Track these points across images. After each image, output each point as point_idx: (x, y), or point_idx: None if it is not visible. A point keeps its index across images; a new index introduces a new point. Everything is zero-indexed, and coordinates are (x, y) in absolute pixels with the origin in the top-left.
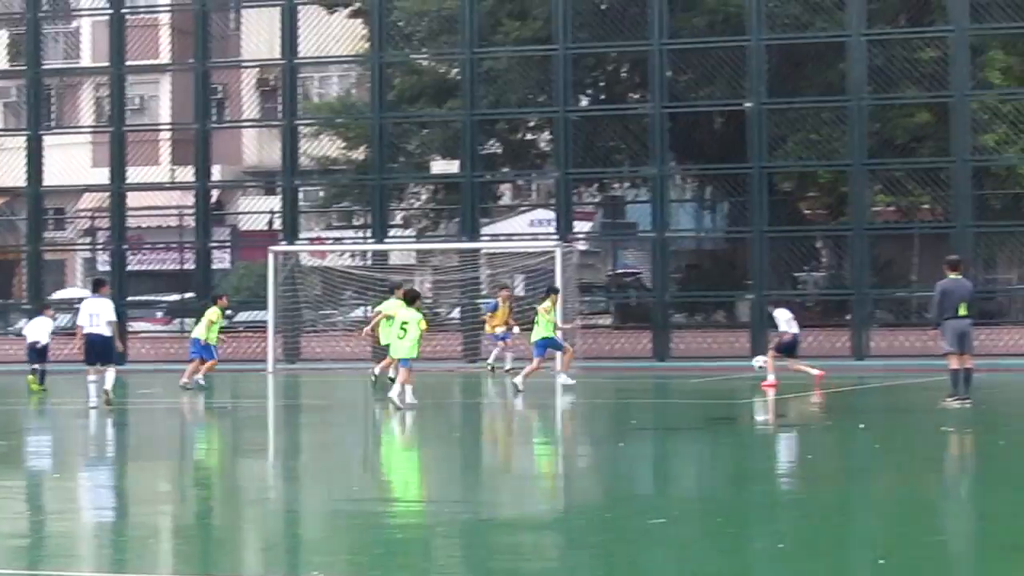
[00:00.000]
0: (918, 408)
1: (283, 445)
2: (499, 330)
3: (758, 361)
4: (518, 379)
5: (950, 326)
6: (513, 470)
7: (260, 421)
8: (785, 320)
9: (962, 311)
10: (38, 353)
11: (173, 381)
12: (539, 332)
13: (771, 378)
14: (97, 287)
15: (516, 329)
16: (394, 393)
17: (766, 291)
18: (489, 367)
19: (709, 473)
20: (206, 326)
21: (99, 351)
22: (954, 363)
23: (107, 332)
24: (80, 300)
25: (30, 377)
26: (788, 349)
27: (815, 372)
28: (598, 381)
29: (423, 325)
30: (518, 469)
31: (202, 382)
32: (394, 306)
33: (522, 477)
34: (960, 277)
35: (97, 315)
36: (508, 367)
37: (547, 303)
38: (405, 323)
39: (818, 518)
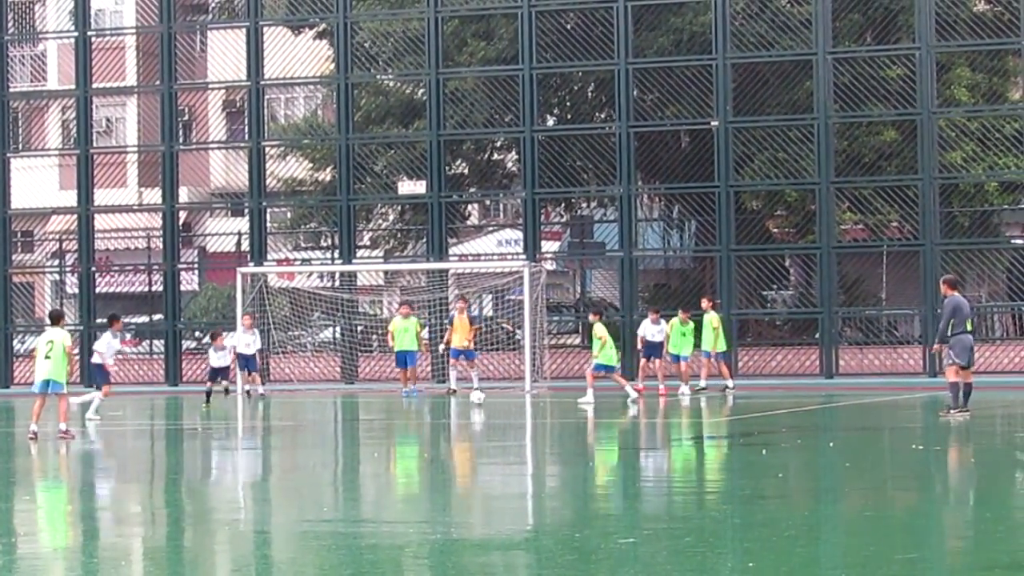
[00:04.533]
0: (888, 426)
1: (253, 467)
2: (460, 346)
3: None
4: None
5: (962, 340)
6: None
7: (231, 442)
8: None
9: (969, 327)
10: (221, 371)
11: (142, 403)
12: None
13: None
14: (57, 320)
15: (471, 347)
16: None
17: (734, 310)
18: (451, 390)
19: (677, 493)
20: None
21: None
22: (957, 376)
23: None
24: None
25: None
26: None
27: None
28: (569, 400)
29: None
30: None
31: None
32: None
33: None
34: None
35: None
36: (476, 386)
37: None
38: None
39: (788, 537)
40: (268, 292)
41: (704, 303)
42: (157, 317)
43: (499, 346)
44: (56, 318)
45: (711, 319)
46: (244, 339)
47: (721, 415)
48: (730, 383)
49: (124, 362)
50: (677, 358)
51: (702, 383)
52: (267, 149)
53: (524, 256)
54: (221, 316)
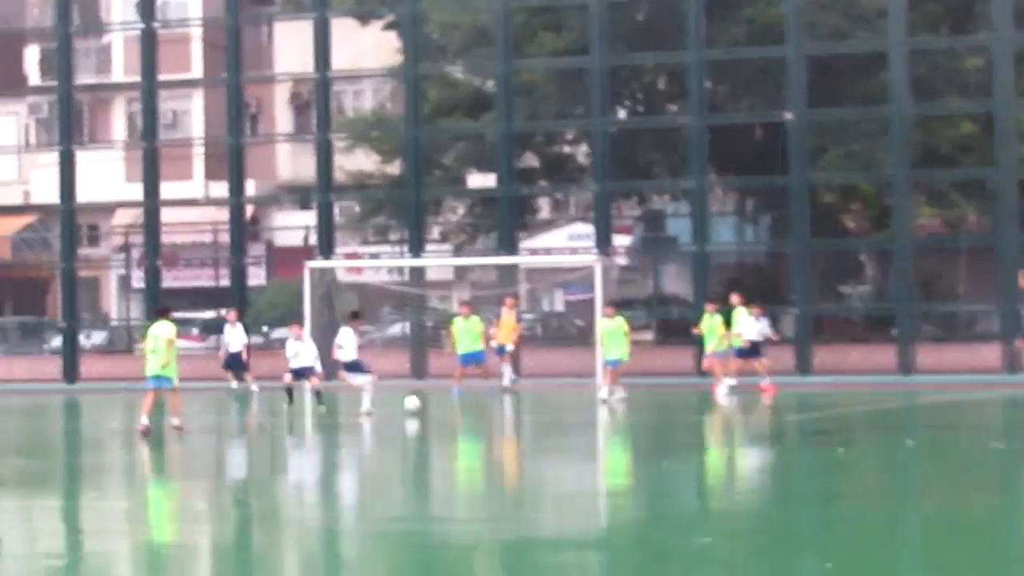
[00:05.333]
0: (967, 424)
1: (319, 466)
2: (499, 343)
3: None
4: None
5: None
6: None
7: (303, 440)
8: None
9: None
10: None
11: (209, 399)
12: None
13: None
14: (162, 314)
15: (510, 346)
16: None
17: (809, 306)
18: (509, 383)
19: (753, 491)
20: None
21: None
22: None
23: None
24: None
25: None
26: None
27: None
28: (641, 397)
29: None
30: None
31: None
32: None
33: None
34: None
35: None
36: (506, 383)
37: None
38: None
39: (866, 538)
40: (336, 287)
41: (734, 298)
42: (224, 312)
43: (571, 342)
44: (163, 312)
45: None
46: (232, 335)
47: (797, 414)
48: (735, 382)
49: (191, 358)
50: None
51: (734, 382)
52: (335, 142)
53: (595, 251)
54: (288, 312)
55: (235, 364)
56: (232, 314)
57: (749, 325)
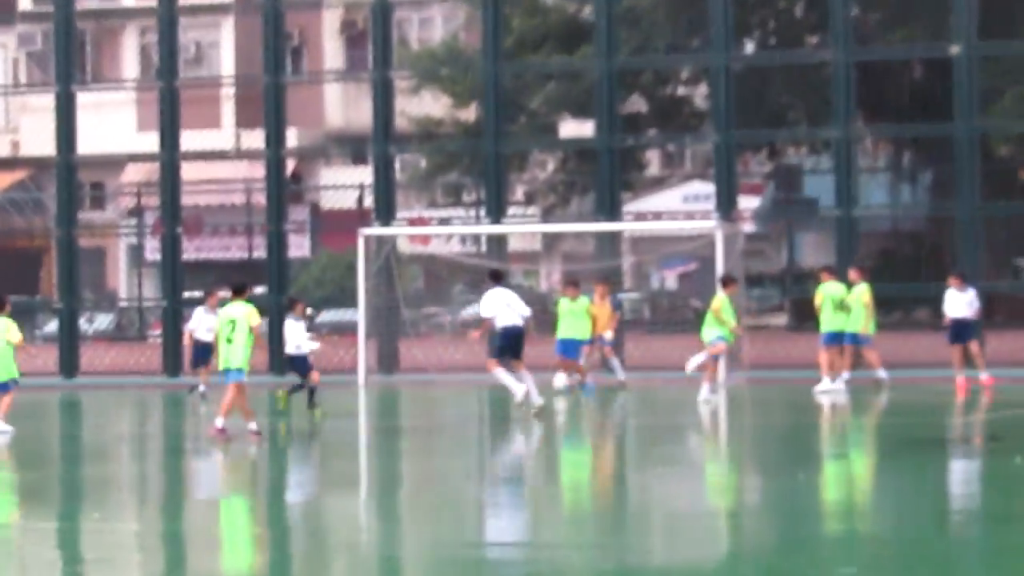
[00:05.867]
0: None
1: (380, 479)
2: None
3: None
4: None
5: None
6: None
7: (353, 446)
8: None
9: None
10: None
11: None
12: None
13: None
14: (239, 292)
15: (609, 334)
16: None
17: (980, 282)
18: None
19: (905, 511)
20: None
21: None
22: None
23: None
24: None
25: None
26: None
27: None
28: (772, 394)
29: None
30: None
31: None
32: None
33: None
34: None
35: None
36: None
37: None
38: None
39: None
40: (397, 260)
41: (853, 274)
42: (259, 290)
43: (686, 327)
44: (240, 289)
45: (862, 293)
46: (207, 322)
47: (964, 415)
48: (883, 374)
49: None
50: (855, 339)
51: (847, 375)
52: (396, 81)
53: (716, 215)
54: (339, 289)
55: (203, 358)
56: (213, 298)
57: (954, 301)
